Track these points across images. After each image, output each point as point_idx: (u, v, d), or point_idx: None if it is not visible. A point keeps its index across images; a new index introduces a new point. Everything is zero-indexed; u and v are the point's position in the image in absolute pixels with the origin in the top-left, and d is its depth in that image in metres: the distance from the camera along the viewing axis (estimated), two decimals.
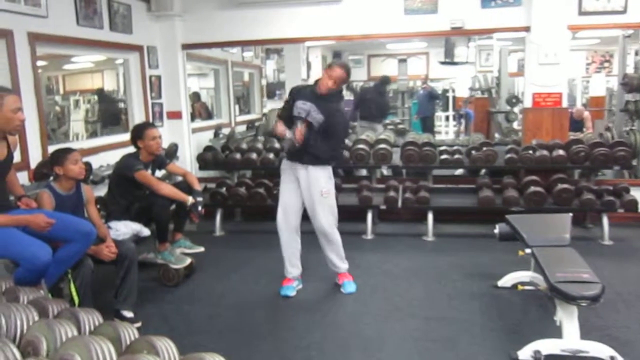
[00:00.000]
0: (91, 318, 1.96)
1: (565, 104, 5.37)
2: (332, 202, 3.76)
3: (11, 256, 2.74)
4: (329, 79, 3.56)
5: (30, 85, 4.08)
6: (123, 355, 1.66)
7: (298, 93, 3.70)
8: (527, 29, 5.24)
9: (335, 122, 3.61)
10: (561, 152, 5.12)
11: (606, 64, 14.08)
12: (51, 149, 4.10)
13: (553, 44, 5.15)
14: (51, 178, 3.45)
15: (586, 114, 8.38)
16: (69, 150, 3.30)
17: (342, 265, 3.89)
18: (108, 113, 8.38)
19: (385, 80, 8.96)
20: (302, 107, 3.58)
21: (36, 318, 1.86)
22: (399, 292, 3.82)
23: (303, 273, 3.96)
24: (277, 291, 3.84)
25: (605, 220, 4.85)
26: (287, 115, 3.68)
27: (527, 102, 5.38)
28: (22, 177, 3.68)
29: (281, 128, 3.67)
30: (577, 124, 7.86)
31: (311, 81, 3.85)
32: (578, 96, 11.74)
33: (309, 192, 3.70)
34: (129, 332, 1.82)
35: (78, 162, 3.28)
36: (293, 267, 3.87)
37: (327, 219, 3.73)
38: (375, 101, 8.47)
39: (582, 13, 5.16)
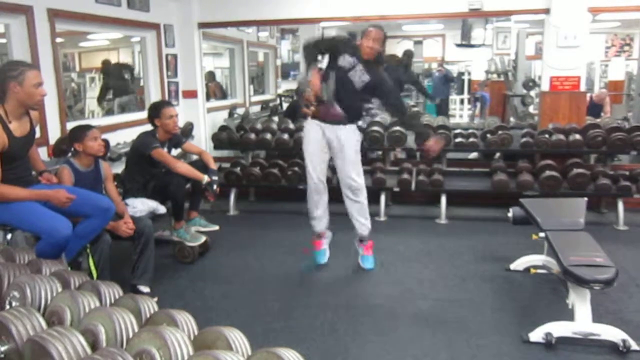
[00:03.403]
0: (112, 291, 2.00)
1: (583, 87, 5.31)
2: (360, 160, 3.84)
3: (33, 229, 2.80)
4: (368, 41, 3.56)
5: (50, 62, 4.11)
6: (144, 327, 1.71)
7: (344, 45, 3.68)
8: (546, 11, 5.16)
9: (385, 80, 3.65)
10: (578, 136, 5.08)
11: (626, 48, 13.86)
12: (69, 125, 4.15)
13: (573, 26, 5.07)
14: (69, 154, 3.50)
15: (607, 98, 8.26)
16: (88, 127, 3.35)
17: (367, 223, 3.90)
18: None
19: (409, 54, 8.88)
20: (349, 59, 3.61)
21: (59, 289, 1.91)
22: (411, 274, 3.85)
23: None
24: (291, 270, 3.91)
25: (620, 206, 4.82)
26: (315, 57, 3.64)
27: (545, 86, 5.32)
28: (42, 153, 3.72)
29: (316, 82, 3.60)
30: (595, 108, 7.75)
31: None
32: (596, 80, 11.59)
33: (342, 152, 3.73)
34: (149, 305, 1.85)
35: (97, 139, 3.32)
36: (322, 220, 3.93)
37: (359, 176, 3.79)
38: (403, 77, 8.41)
39: None
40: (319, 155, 3.78)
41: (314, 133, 3.77)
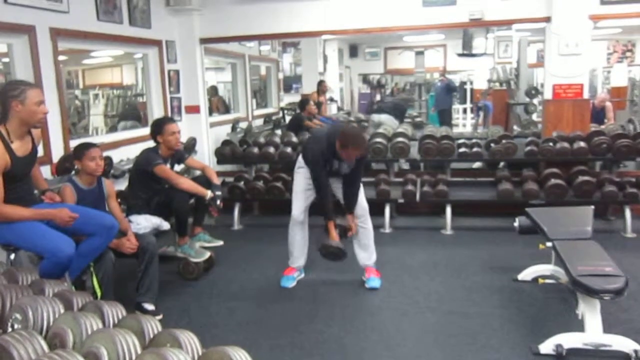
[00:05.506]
0: (115, 311, 1.98)
1: (586, 95, 5.28)
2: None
3: (36, 249, 2.78)
4: (347, 153, 3.56)
5: (53, 81, 4.13)
6: (147, 348, 1.68)
7: (323, 156, 3.69)
8: (547, 20, 5.16)
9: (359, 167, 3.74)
10: (582, 144, 5.05)
11: (628, 54, 13.85)
12: (72, 143, 4.15)
13: (574, 34, 5.07)
14: (73, 172, 3.50)
15: (608, 104, 8.21)
16: (88, 146, 3.34)
17: (372, 256, 3.88)
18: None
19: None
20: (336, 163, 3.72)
21: (62, 311, 1.89)
22: (417, 286, 3.81)
23: (324, 267, 4.01)
24: (296, 284, 3.90)
25: (627, 213, 4.78)
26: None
27: (548, 94, 5.31)
28: (45, 171, 3.73)
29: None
30: (598, 115, 7.70)
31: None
32: (599, 87, 11.58)
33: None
34: (152, 325, 1.83)
35: (95, 159, 3.30)
36: (302, 255, 3.97)
37: (365, 202, 3.84)
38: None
39: (603, 2, 5.05)
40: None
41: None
